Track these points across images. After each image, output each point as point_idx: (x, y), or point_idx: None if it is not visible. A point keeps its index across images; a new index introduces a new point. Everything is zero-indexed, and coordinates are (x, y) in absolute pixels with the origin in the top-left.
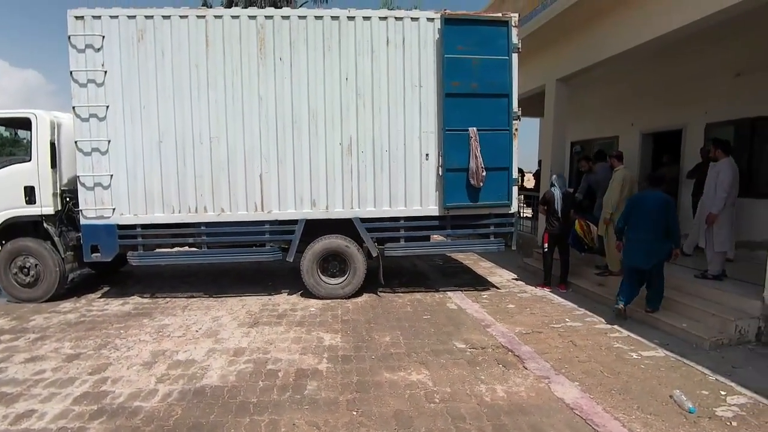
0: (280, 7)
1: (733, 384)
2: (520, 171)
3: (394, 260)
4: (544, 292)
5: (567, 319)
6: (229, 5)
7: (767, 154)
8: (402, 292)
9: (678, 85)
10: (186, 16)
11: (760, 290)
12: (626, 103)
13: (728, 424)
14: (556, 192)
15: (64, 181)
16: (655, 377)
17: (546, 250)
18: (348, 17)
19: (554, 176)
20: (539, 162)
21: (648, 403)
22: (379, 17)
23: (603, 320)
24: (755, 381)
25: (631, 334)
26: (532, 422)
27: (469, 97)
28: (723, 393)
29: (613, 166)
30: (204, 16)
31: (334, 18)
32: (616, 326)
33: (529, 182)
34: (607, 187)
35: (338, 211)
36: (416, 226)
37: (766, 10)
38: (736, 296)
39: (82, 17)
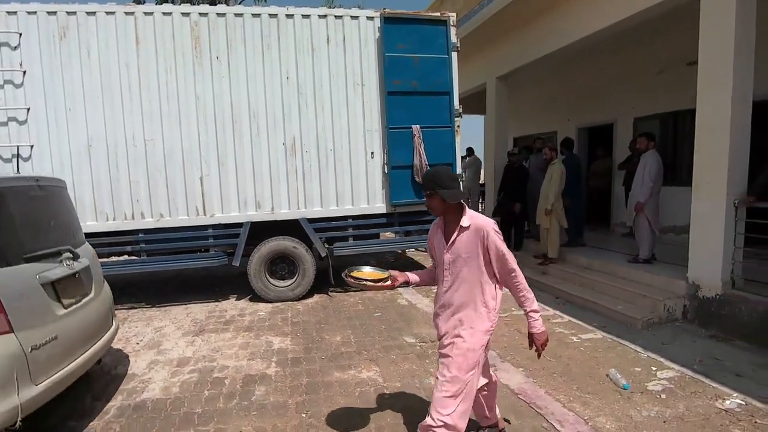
0: (215, 5)
1: (662, 359)
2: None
3: (344, 259)
4: None
5: (513, 308)
6: (160, 2)
7: (689, 145)
8: (353, 291)
9: (608, 81)
10: (113, 13)
11: (685, 271)
12: (563, 99)
13: (658, 396)
14: None
15: None
16: (593, 358)
17: None
18: (286, 15)
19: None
20: (468, 149)
21: (587, 383)
22: (319, 15)
23: (546, 307)
24: (682, 356)
25: (572, 319)
26: None
27: (411, 95)
28: (654, 368)
29: (552, 158)
30: (133, 13)
31: (272, 16)
32: (558, 312)
33: None
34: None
35: (284, 212)
36: (364, 225)
37: (684, 11)
38: (664, 278)
39: None
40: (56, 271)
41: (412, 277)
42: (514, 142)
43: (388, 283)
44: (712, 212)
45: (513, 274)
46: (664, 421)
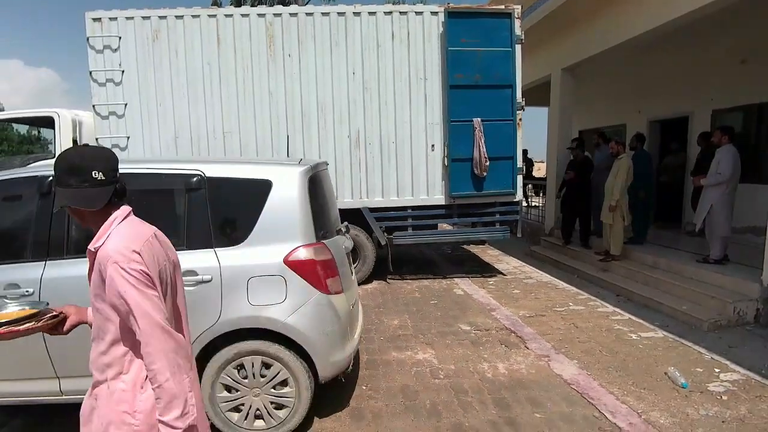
0: (288, 5)
1: (727, 362)
2: (530, 160)
3: (403, 248)
4: (549, 278)
5: (570, 303)
6: (238, 4)
7: None
8: (410, 279)
9: (684, 72)
10: (198, 16)
11: (760, 273)
12: (633, 90)
13: (719, 398)
14: None
15: None
16: (652, 356)
17: None
18: (354, 13)
19: None
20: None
21: (643, 379)
22: (384, 12)
23: (606, 304)
24: (750, 359)
25: (633, 317)
26: (530, 396)
27: (473, 88)
28: (717, 370)
29: (618, 153)
30: (215, 15)
31: (341, 14)
32: (618, 309)
33: (540, 171)
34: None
35: (347, 201)
36: (423, 215)
37: None
38: (736, 279)
39: (99, 19)
40: (348, 242)
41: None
42: (579, 135)
43: (30, 325)
44: None
45: (146, 347)
46: (723, 422)
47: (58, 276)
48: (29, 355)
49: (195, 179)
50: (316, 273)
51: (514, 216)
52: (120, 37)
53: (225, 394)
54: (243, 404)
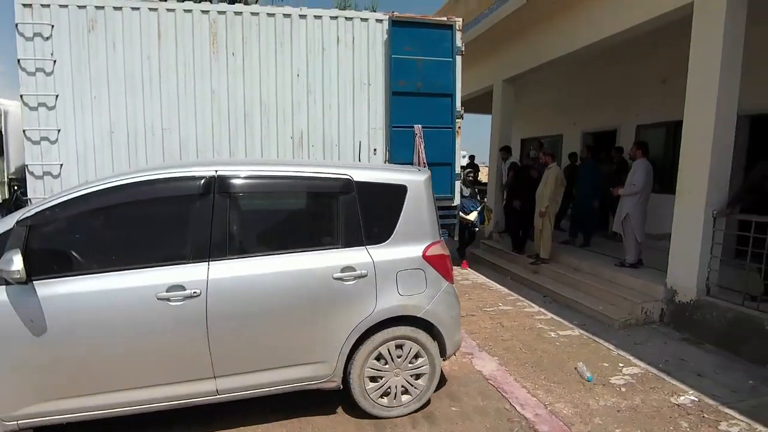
0: (234, 3)
1: (631, 357)
2: (477, 166)
3: None
4: (484, 279)
5: (500, 304)
6: None
7: None
8: None
9: (613, 88)
10: (138, 9)
11: (666, 277)
12: (569, 103)
13: (618, 389)
14: None
15: (12, 169)
16: (566, 353)
17: None
18: (300, 15)
19: None
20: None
21: (554, 374)
22: (330, 16)
23: (533, 304)
24: (651, 355)
25: (555, 317)
26: (450, 391)
27: (415, 96)
28: (621, 365)
29: (546, 163)
30: (156, 9)
31: (286, 15)
32: (542, 309)
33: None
34: None
35: None
36: None
37: (687, 22)
38: (646, 282)
39: (30, 5)
40: None
41: None
42: (521, 144)
43: None
44: (692, 221)
45: None
46: (618, 411)
47: (226, 276)
48: (190, 355)
49: (346, 183)
50: (446, 265)
51: (452, 220)
52: (53, 26)
53: (372, 373)
54: (386, 382)
